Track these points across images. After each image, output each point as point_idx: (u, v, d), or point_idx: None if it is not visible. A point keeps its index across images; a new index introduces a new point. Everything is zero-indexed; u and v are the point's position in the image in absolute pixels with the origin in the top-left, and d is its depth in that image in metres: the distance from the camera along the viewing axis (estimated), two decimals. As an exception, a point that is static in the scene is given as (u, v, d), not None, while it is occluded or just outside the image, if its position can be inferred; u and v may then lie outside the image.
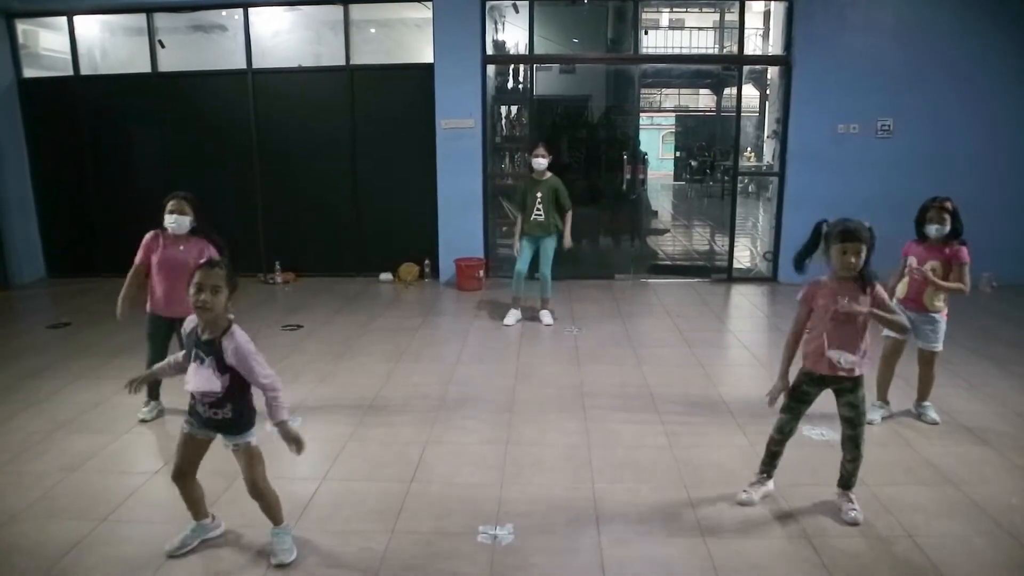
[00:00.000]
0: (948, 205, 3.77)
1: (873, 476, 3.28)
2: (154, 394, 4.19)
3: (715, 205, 12.19)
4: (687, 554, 2.75)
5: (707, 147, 17.29)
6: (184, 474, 2.71)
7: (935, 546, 2.77)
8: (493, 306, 6.75)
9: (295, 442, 2.59)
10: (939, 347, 3.93)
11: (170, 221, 3.88)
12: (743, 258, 8.66)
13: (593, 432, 3.88)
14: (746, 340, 5.80)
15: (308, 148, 8.07)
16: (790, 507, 3.07)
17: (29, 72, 8.14)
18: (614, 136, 9.15)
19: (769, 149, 8.63)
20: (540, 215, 6.03)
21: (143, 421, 4.05)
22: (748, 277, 8.16)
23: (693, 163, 18.49)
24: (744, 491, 3.11)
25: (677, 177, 20.89)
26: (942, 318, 3.89)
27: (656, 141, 29.01)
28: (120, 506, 3.11)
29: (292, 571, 2.64)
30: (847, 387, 2.91)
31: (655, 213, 12.84)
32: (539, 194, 6.01)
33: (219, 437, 2.69)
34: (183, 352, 2.72)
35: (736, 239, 8.17)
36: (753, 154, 10.91)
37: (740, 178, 8.53)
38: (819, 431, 3.80)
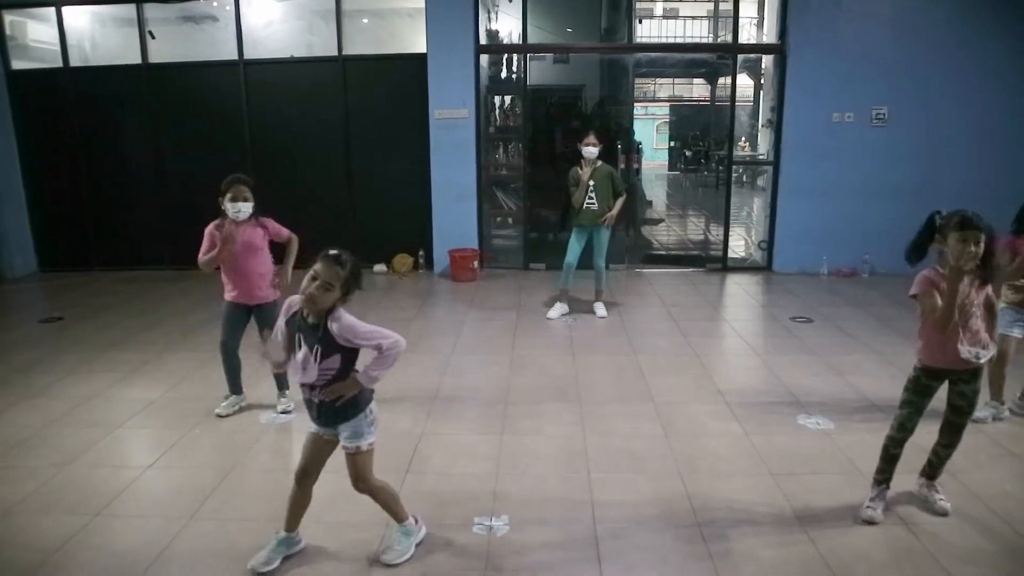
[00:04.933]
0: None
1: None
2: (236, 387, 4.06)
3: (710, 195, 12.19)
4: (683, 544, 2.75)
5: (701, 137, 17.30)
6: (308, 474, 2.64)
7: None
8: (488, 297, 6.73)
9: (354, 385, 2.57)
10: None
11: (234, 210, 3.85)
12: (738, 247, 8.66)
13: (588, 422, 3.88)
14: (741, 329, 5.80)
15: (301, 139, 8.02)
16: (785, 497, 3.07)
17: (17, 64, 8.04)
18: (608, 126, 9.11)
19: (764, 138, 8.62)
20: (593, 203, 5.82)
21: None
22: (743, 266, 8.16)
23: (687, 153, 18.49)
24: (868, 506, 2.89)
25: (672, 167, 20.90)
26: None
27: (650, 131, 28.96)
28: (114, 500, 3.09)
29: (289, 566, 2.63)
30: (965, 378, 2.81)
31: (650, 203, 12.85)
32: (591, 182, 5.80)
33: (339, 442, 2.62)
34: (282, 333, 2.56)
35: (731, 228, 8.16)
36: (748, 143, 10.90)
37: (735, 167, 8.51)
38: (815, 420, 3.81)
